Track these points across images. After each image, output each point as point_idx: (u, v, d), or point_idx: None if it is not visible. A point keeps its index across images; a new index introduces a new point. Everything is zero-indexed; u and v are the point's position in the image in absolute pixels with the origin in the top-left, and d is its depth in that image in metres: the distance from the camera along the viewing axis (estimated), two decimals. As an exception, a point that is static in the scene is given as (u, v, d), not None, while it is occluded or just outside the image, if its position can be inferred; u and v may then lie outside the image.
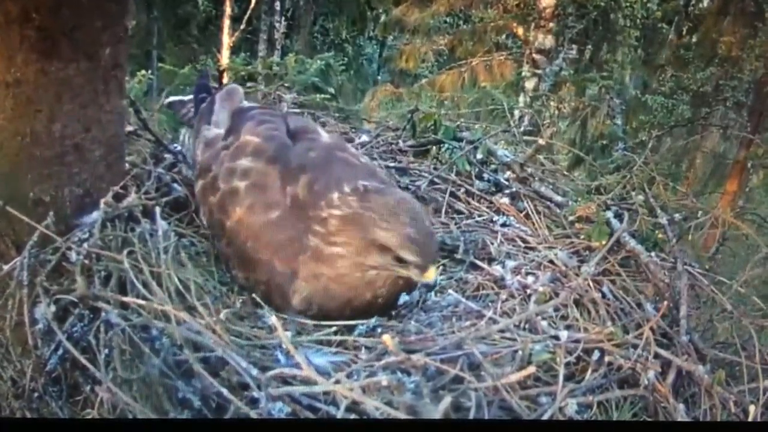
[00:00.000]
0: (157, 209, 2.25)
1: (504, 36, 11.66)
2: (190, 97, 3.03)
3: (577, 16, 10.08)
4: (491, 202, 3.04)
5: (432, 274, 2.09)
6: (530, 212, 2.96)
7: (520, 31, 10.70)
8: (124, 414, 1.58)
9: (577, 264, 2.54)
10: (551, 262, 2.54)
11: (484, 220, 2.92)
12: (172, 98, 3.13)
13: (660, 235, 2.76)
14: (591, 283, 2.37)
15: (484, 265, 2.53)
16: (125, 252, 1.99)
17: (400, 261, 2.05)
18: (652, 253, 2.58)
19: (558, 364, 1.83)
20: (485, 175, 3.20)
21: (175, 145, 2.96)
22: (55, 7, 1.94)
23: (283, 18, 16.53)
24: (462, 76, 11.14)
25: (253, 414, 1.57)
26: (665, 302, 2.20)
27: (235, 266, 2.24)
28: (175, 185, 2.64)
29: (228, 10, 13.63)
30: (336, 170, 2.24)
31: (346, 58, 15.81)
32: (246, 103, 2.72)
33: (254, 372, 1.65)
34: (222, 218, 2.23)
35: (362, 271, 2.08)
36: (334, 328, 2.03)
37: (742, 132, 9.88)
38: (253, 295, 2.19)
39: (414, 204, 2.11)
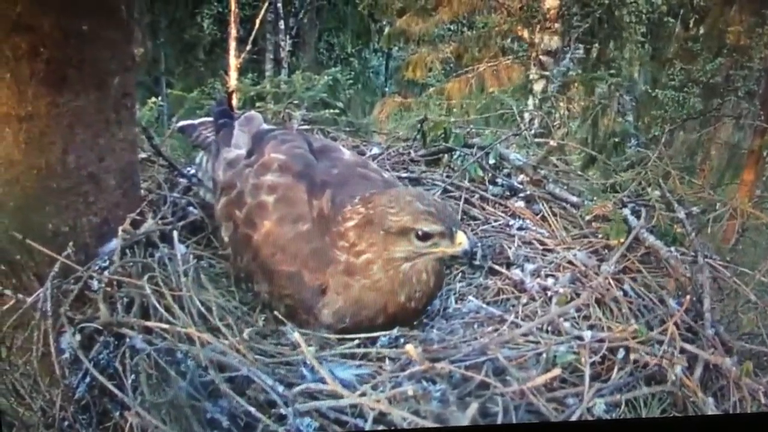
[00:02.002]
0: (175, 233, 2.27)
1: (509, 40, 11.63)
2: (201, 120, 3.05)
3: (581, 15, 10.07)
4: (506, 207, 3.03)
5: (463, 239, 2.08)
6: (546, 214, 2.95)
7: (526, 33, 10.68)
8: (154, 438, 1.59)
9: (596, 263, 2.53)
10: (570, 262, 2.53)
11: (500, 224, 2.91)
12: (182, 122, 3.16)
13: (678, 230, 2.74)
14: (612, 282, 2.36)
15: (503, 270, 2.53)
16: (146, 277, 2.02)
17: (425, 238, 2.06)
18: (672, 248, 2.56)
19: (583, 365, 1.83)
20: (499, 180, 3.19)
21: (188, 168, 2.98)
22: (62, 39, 1.97)
23: (288, 36, 16.63)
24: (469, 82, 11.13)
25: (282, 431, 1.58)
26: (688, 296, 2.19)
27: (259, 281, 2.24)
28: (191, 208, 2.67)
29: (233, 32, 13.72)
30: (354, 185, 2.27)
31: (352, 72, 15.85)
32: (266, 126, 2.73)
33: (280, 389, 1.66)
34: (248, 232, 2.24)
35: (395, 268, 2.09)
36: (356, 341, 2.04)
37: (756, 121, 9.79)
38: (275, 312, 2.19)
39: (416, 189, 2.20)
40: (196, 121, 3.06)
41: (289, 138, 2.55)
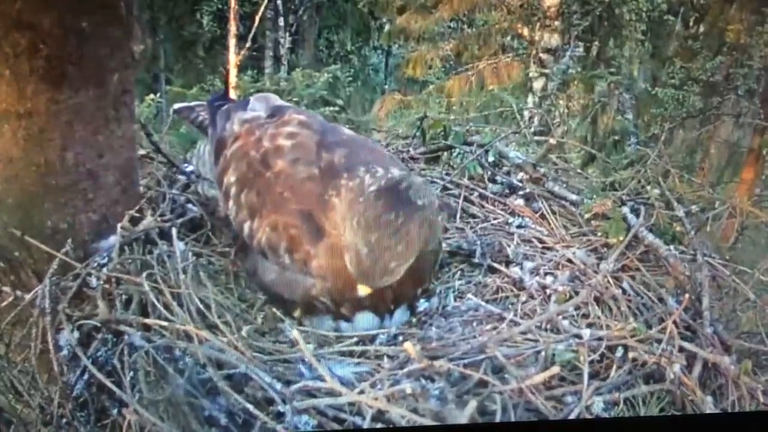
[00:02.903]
0: (174, 230, 2.27)
1: (509, 38, 11.61)
2: (197, 102, 3.05)
3: (581, 13, 10.05)
4: (506, 205, 3.03)
5: (361, 290, 2.02)
6: (545, 212, 2.94)
7: (526, 31, 10.67)
8: (152, 435, 1.59)
9: (595, 261, 2.53)
10: (569, 261, 2.53)
11: (499, 222, 2.91)
12: (178, 105, 3.15)
13: (678, 228, 2.74)
14: (611, 280, 2.36)
15: (502, 268, 2.52)
16: (144, 274, 2.02)
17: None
18: (671, 247, 2.56)
19: (582, 363, 1.83)
20: (498, 178, 3.19)
21: (186, 164, 2.98)
22: (62, 36, 1.97)
23: (288, 33, 16.63)
24: (469, 80, 11.11)
25: (280, 428, 1.58)
26: (687, 295, 2.19)
27: (264, 215, 2.23)
28: (190, 206, 2.66)
29: (233, 29, 13.73)
30: (366, 153, 2.29)
31: (352, 70, 15.89)
32: (283, 102, 2.76)
33: (278, 386, 1.67)
34: (261, 170, 2.26)
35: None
36: (355, 339, 2.04)
37: (756, 119, 9.79)
38: (271, 306, 2.20)
39: (402, 232, 1.92)
40: (193, 104, 3.06)
41: (309, 113, 2.67)
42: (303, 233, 2.13)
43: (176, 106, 3.16)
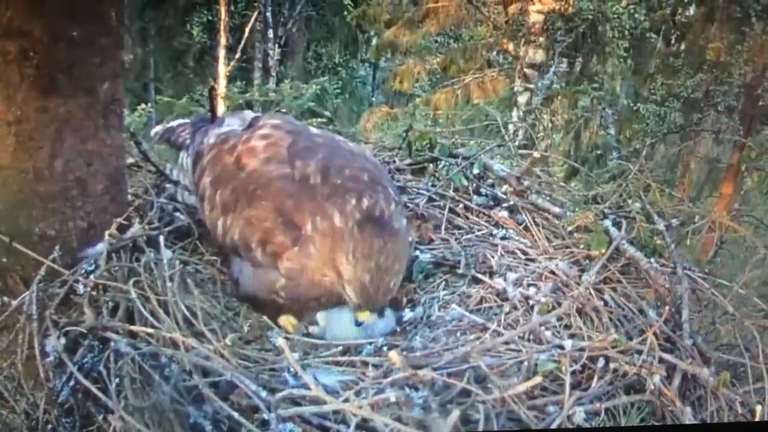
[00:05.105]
0: (161, 238, 2.28)
1: (495, 53, 11.70)
2: (178, 122, 3.08)
3: (566, 30, 10.12)
4: (490, 216, 3.06)
5: (362, 316, 2.14)
6: (529, 224, 2.98)
7: (511, 47, 10.74)
8: (137, 441, 1.60)
9: (577, 273, 2.55)
10: (552, 272, 2.56)
11: (483, 234, 2.94)
12: (157, 128, 3.15)
13: (658, 241, 2.78)
14: (592, 292, 2.39)
15: (486, 279, 2.55)
16: (131, 282, 2.03)
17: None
18: (652, 259, 2.60)
19: (564, 373, 1.85)
20: (483, 190, 3.22)
21: (174, 172, 2.98)
22: (52, 45, 1.99)
23: (277, 45, 16.66)
24: (455, 93, 11.16)
25: (265, 435, 1.59)
26: (667, 307, 2.22)
27: (237, 211, 2.30)
28: (178, 214, 2.67)
29: (223, 40, 13.73)
30: (340, 159, 2.36)
31: (340, 82, 15.93)
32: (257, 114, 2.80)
33: (264, 394, 1.68)
34: (236, 170, 2.33)
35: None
36: (340, 348, 2.06)
37: (735, 136, 9.93)
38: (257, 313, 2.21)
39: (392, 253, 2.10)
40: (174, 123, 3.08)
41: (282, 116, 2.73)
42: (277, 225, 2.21)
43: (155, 129, 3.18)
